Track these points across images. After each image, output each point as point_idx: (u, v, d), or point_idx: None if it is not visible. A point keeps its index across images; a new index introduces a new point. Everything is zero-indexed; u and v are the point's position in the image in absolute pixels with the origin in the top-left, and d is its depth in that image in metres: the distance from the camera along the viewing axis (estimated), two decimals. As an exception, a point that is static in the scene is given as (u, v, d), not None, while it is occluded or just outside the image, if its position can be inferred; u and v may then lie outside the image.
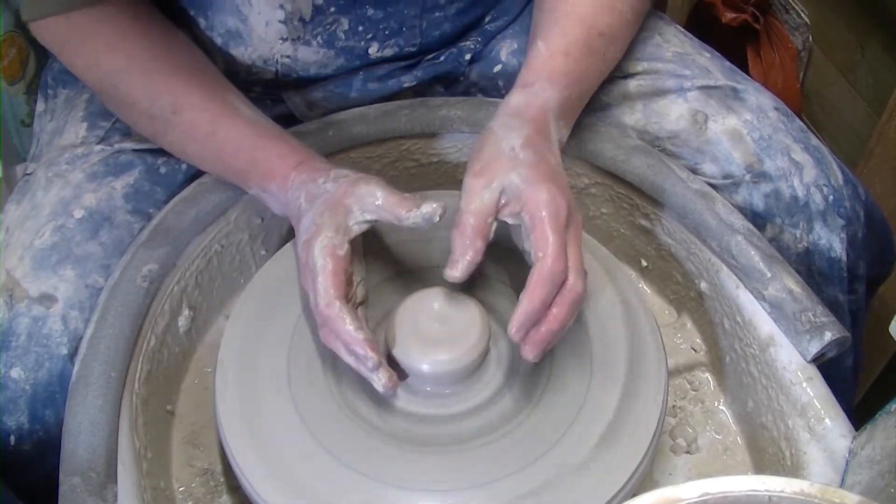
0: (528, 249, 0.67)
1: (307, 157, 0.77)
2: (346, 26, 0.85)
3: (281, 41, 0.85)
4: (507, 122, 0.72)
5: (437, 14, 0.89)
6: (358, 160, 0.88)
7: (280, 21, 0.83)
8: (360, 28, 0.86)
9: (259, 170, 0.77)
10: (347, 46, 0.87)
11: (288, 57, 0.86)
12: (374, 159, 0.89)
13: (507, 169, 0.68)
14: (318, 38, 0.86)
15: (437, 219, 0.68)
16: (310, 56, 0.87)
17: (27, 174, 0.84)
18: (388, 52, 0.89)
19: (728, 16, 1.49)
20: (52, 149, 0.84)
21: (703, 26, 1.53)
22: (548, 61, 0.79)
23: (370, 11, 0.85)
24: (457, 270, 0.66)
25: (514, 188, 0.67)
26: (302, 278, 0.70)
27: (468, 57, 0.93)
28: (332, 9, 0.83)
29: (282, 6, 0.82)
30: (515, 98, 0.76)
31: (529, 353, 0.66)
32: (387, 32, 0.87)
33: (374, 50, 0.88)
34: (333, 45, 0.87)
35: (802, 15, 1.55)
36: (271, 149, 0.77)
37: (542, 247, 0.65)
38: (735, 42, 1.49)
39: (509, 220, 0.69)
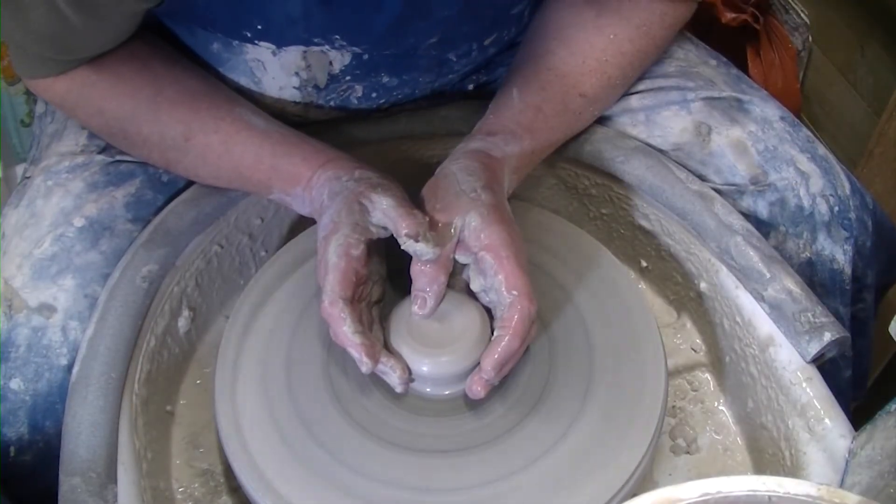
0: (485, 287, 0.69)
1: (335, 156, 0.76)
2: (359, 93, 0.85)
3: (294, 104, 0.84)
4: (466, 165, 0.73)
5: (450, 76, 0.88)
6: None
7: (294, 87, 0.82)
8: (374, 94, 0.85)
9: (282, 176, 0.76)
10: (360, 109, 0.87)
11: (299, 115, 0.86)
12: (374, 160, 0.89)
13: (467, 208, 0.69)
14: (331, 102, 0.85)
15: (425, 259, 0.68)
16: (320, 116, 0.87)
17: (26, 177, 0.84)
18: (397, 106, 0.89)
19: (728, 16, 1.49)
20: (52, 154, 0.83)
21: (702, 26, 1.52)
22: (518, 114, 0.79)
23: (385, 79, 0.84)
24: (425, 308, 0.69)
25: (472, 227, 0.68)
26: (317, 273, 0.70)
27: (472, 87, 0.92)
28: (348, 77, 0.82)
29: (297, 73, 0.81)
30: (475, 144, 0.76)
31: (483, 390, 0.67)
32: (399, 97, 0.87)
33: (383, 108, 0.88)
34: (346, 109, 0.86)
35: (802, 15, 1.55)
36: (295, 154, 0.76)
37: (517, 285, 0.66)
38: (735, 42, 1.49)
39: (461, 260, 0.70)
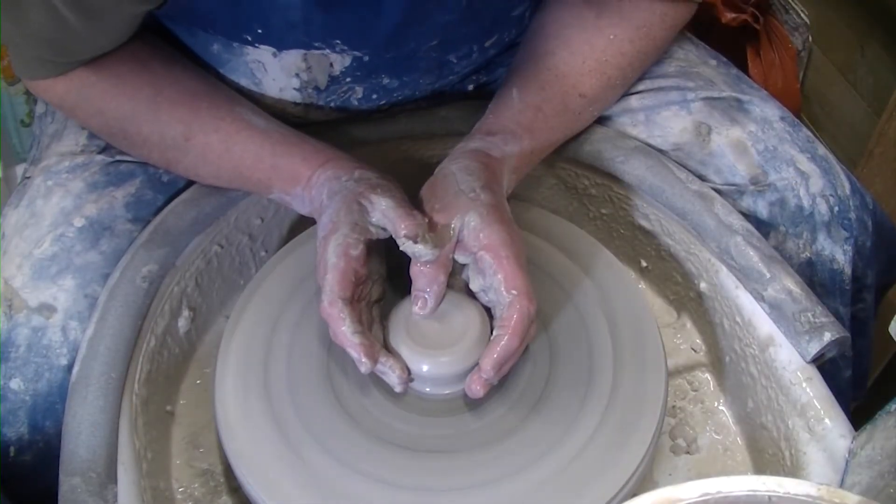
0: (485, 287, 0.69)
1: (335, 156, 0.77)
2: (360, 94, 0.84)
3: (294, 105, 0.84)
4: (465, 165, 0.73)
5: (451, 77, 0.88)
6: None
7: (294, 88, 0.82)
8: (374, 96, 0.85)
9: (282, 175, 0.76)
10: (360, 109, 0.87)
11: (299, 116, 0.86)
12: (374, 160, 0.89)
13: (466, 208, 0.69)
14: (332, 103, 0.85)
15: (424, 260, 0.68)
16: (321, 116, 0.87)
17: (26, 177, 0.84)
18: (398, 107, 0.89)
19: (728, 16, 1.49)
20: (52, 154, 0.83)
21: (702, 26, 1.52)
22: (517, 113, 0.79)
23: (385, 80, 0.83)
24: (425, 308, 0.69)
25: (472, 227, 0.68)
26: (316, 273, 0.70)
27: (471, 88, 0.92)
28: (349, 79, 0.82)
29: (297, 75, 0.80)
30: (475, 144, 0.76)
31: (482, 389, 0.67)
32: (399, 98, 0.87)
33: (383, 109, 0.88)
34: (346, 110, 0.86)
35: (802, 15, 1.55)
36: (295, 153, 0.77)
37: (516, 285, 0.66)
38: (735, 42, 1.49)
39: (460, 260, 0.70)
